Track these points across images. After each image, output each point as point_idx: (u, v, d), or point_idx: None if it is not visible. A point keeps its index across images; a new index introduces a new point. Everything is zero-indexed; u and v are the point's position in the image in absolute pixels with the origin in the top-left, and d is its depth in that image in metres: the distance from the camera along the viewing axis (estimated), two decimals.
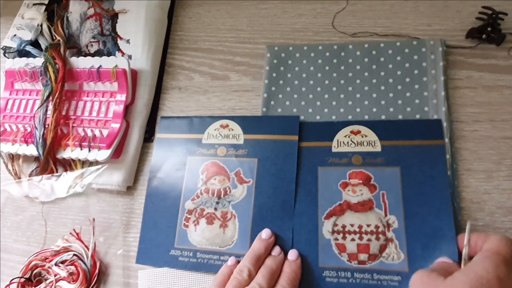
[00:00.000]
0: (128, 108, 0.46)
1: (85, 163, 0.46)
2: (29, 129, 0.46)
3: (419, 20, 0.45)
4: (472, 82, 0.41)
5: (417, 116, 0.40)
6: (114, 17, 0.52)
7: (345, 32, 0.46)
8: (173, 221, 0.41)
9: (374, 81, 0.42)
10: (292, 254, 0.36)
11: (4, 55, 0.52)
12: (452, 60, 0.42)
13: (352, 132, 0.40)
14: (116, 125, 0.44)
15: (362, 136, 0.40)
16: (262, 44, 0.48)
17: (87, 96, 0.47)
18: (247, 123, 0.43)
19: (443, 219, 0.35)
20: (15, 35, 0.53)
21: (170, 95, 0.48)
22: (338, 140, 0.40)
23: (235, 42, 0.49)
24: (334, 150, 0.40)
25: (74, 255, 0.41)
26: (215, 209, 0.40)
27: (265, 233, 0.37)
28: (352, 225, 0.37)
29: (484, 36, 0.41)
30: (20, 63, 0.49)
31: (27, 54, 0.51)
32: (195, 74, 0.49)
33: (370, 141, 0.39)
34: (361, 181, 0.38)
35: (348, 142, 0.40)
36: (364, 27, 0.46)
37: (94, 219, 0.43)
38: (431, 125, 0.39)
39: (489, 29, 0.41)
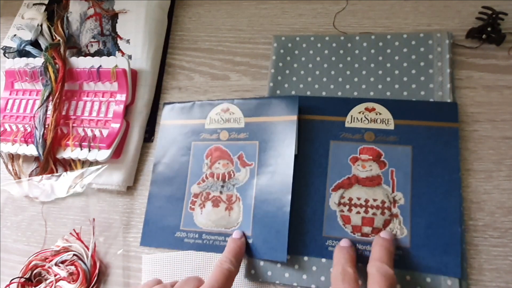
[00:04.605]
0: (128, 108, 0.46)
1: (85, 163, 0.46)
2: (29, 129, 0.46)
3: (419, 20, 0.45)
4: (472, 82, 0.41)
5: None
6: (114, 17, 0.52)
7: (345, 32, 0.46)
8: (179, 205, 0.42)
9: (380, 72, 0.42)
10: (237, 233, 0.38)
11: (4, 55, 0.52)
12: (452, 60, 0.42)
13: (366, 109, 0.40)
14: (116, 125, 0.44)
15: (376, 114, 0.40)
16: (262, 44, 0.48)
17: (87, 96, 0.47)
18: (247, 106, 0.43)
19: (450, 200, 0.36)
20: (15, 35, 0.53)
21: (170, 95, 0.48)
22: (352, 116, 0.40)
23: (235, 42, 0.49)
24: (347, 125, 0.40)
25: (74, 255, 0.41)
26: (220, 192, 0.41)
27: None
28: (358, 199, 0.38)
29: (484, 36, 0.41)
30: (20, 63, 0.49)
31: (27, 54, 0.51)
32: (195, 74, 0.49)
33: (384, 119, 0.40)
34: (371, 157, 0.39)
35: (361, 119, 0.40)
36: (364, 27, 0.46)
37: (94, 219, 0.43)
38: (447, 108, 0.39)
39: (489, 29, 0.41)
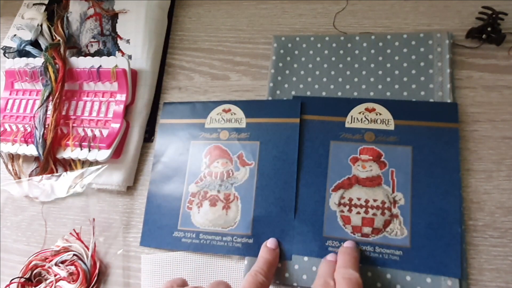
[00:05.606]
0: (128, 108, 0.46)
1: (85, 163, 0.46)
2: (29, 129, 0.46)
3: (419, 20, 0.45)
4: (472, 82, 0.41)
5: None
6: (114, 17, 0.52)
7: (346, 32, 0.46)
8: (176, 204, 0.42)
9: (380, 72, 0.42)
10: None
11: (4, 55, 0.52)
12: (452, 60, 0.42)
13: (366, 109, 0.40)
14: (116, 125, 0.44)
15: (377, 114, 0.40)
16: (262, 44, 0.48)
17: (87, 96, 0.47)
18: (250, 107, 0.43)
19: (450, 201, 0.36)
20: (15, 35, 0.53)
21: (170, 95, 0.48)
22: (352, 116, 0.40)
23: (235, 42, 0.49)
24: (347, 125, 0.40)
25: (74, 255, 0.41)
26: (218, 191, 0.41)
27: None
28: (359, 199, 0.38)
29: (484, 36, 0.41)
30: (20, 63, 0.49)
31: (27, 54, 0.51)
32: (195, 74, 0.49)
33: (384, 119, 0.40)
34: (371, 158, 0.39)
35: (362, 119, 0.40)
36: (364, 27, 0.46)
37: (94, 219, 0.43)
38: (447, 108, 0.39)
39: (489, 29, 0.41)
